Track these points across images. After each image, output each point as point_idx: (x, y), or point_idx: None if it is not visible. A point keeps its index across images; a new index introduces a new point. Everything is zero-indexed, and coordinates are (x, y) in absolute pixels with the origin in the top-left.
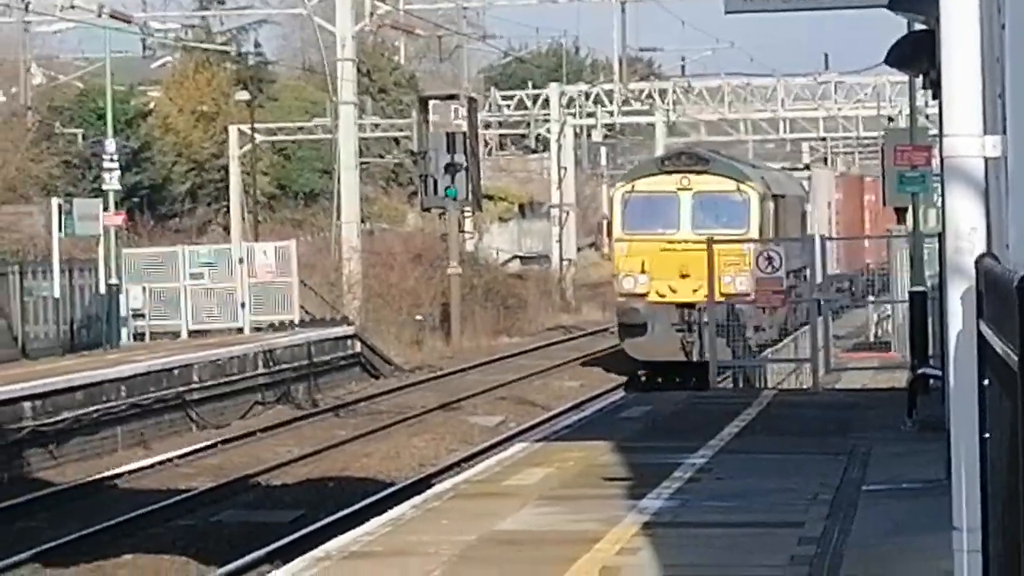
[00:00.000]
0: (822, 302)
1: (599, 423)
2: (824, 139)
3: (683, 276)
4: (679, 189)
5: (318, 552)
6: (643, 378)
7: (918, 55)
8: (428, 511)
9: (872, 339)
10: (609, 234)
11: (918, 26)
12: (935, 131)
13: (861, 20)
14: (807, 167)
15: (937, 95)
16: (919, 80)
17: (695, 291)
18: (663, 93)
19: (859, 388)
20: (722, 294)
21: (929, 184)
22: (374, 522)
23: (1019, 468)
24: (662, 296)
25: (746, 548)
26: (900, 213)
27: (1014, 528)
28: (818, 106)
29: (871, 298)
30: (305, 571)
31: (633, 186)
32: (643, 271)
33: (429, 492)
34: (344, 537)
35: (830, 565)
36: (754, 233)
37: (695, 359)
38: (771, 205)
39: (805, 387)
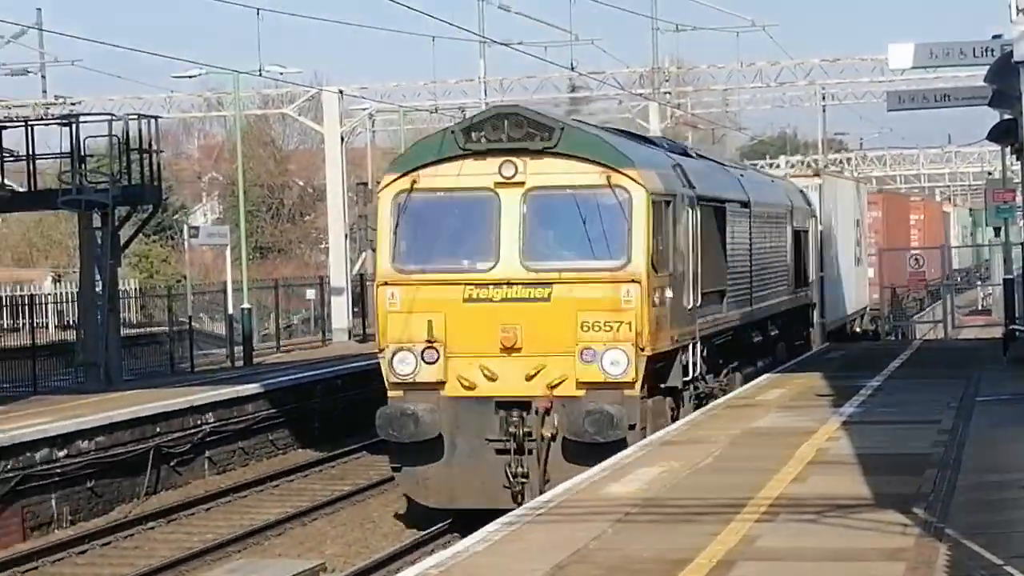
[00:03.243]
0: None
1: (812, 362)
2: (948, 187)
3: (507, 350)
4: (499, 185)
5: (644, 441)
6: None
7: (1007, 134)
8: (711, 416)
9: (980, 307)
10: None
11: (1006, 116)
12: (1018, 180)
13: (972, 112)
14: (817, 174)
15: (1020, 158)
16: (1008, 149)
17: (530, 377)
18: (849, 160)
19: (972, 338)
20: (581, 383)
21: (1014, 212)
22: (678, 424)
23: None
24: (469, 387)
25: (905, 436)
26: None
27: None
28: (944, 166)
29: (978, 283)
30: (638, 451)
31: (413, 181)
32: (431, 342)
33: (711, 404)
34: (659, 432)
35: (957, 445)
36: (638, 265)
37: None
38: (688, 216)
39: (939, 338)
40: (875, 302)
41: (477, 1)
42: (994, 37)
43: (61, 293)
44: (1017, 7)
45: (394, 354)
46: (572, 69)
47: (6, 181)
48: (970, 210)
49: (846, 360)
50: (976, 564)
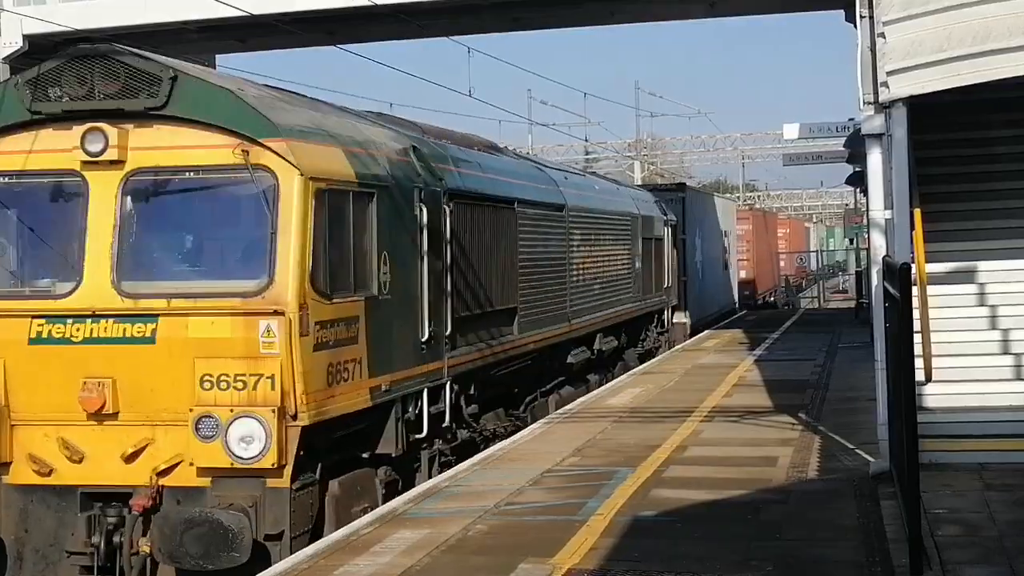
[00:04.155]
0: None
1: (737, 322)
2: (820, 213)
3: (97, 416)
4: (87, 165)
5: (635, 370)
6: None
7: (859, 180)
8: (673, 356)
9: (840, 288)
10: None
11: (857, 169)
12: (863, 210)
13: (837, 166)
14: (680, 187)
15: (866, 194)
16: (858, 190)
17: (130, 457)
18: (759, 196)
19: (835, 308)
20: (204, 469)
21: (861, 230)
22: (654, 360)
23: (899, 337)
24: (43, 472)
25: (795, 368)
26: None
27: (896, 360)
28: (819, 200)
29: (840, 272)
30: (627, 377)
31: None
32: None
33: (670, 351)
34: (643, 365)
35: (826, 372)
36: (286, 286)
37: None
38: (423, 216)
39: (816, 307)
40: (743, 298)
41: (528, 98)
42: (850, 119)
43: None
44: (863, 100)
45: None
46: (586, 141)
47: None
48: (827, 227)
49: (757, 321)
50: (837, 447)
